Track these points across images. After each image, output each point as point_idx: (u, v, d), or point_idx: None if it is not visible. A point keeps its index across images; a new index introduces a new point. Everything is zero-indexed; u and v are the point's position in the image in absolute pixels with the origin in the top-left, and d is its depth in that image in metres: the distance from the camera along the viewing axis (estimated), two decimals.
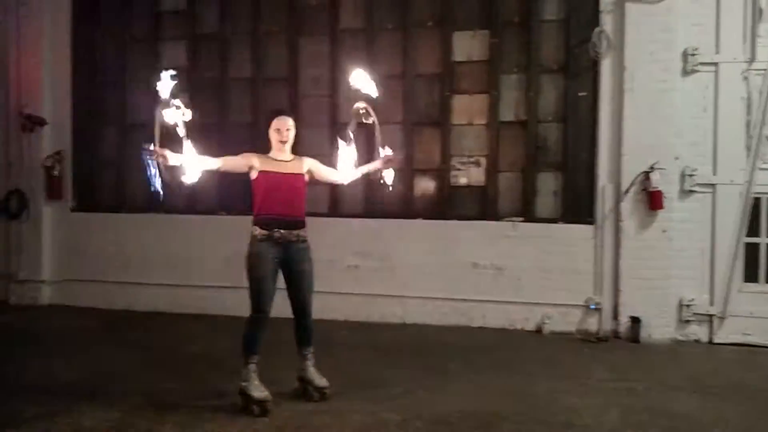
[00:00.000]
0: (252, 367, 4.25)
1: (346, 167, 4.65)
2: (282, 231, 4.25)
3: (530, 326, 6.64)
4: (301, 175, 4.41)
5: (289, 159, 4.41)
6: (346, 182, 4.75)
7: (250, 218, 6.88)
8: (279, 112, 4.50)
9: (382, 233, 6.97)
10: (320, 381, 4.41)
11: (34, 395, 4.46)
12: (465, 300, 6.77)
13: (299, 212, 4.36)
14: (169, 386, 4.72)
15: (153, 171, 3.91)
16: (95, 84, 7.88)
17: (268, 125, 4.40)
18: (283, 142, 4.36)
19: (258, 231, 4.28)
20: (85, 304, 7.58)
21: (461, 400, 4.52)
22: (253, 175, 4.33)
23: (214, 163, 4.27)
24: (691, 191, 6.35)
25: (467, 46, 6.96)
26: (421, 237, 6.86)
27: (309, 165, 4.49)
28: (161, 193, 3.96)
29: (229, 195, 7.24)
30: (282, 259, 4.27)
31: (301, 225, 4.37)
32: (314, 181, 4.57)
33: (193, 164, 4.03)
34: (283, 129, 4.35)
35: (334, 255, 6.71)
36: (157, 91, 4.01)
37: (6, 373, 5.01)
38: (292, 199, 4.32)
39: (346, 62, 7.20)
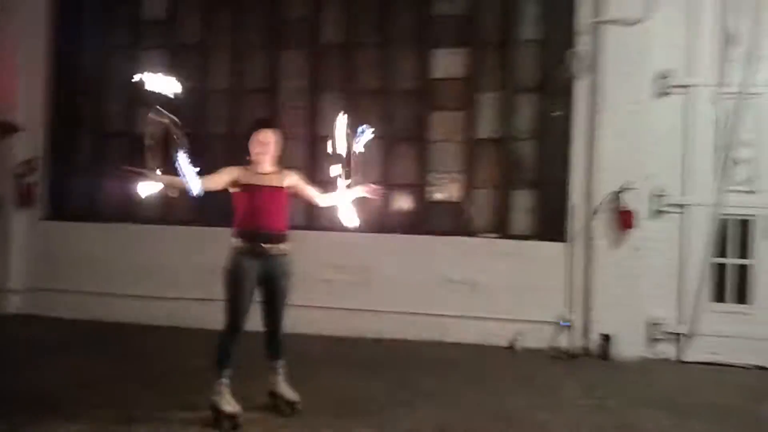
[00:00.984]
0: (224, 381, 4.22)
1: (329, 193, 4.57)
2: (263, 244, 4.20)
3: (503, 342, 6.67)
4: (282, 188, 4.35)
5: (269, 171, 4.36)
6: (322, 205, 4.65)
7: (222, 229, 6.90)
8: (262, 124, 4.42)
9: (358, 247, 6.97)
10: (291, 395, 4.38)
11: (0, 407, 4.36)
12: (440, 315, 6.78)
13: (281, 225, 4.31)
14: (139, 398, 4.65)
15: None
16: (71, 91, 7.80)
17: (249, 136, 4.35)
18: (263, 155, 4.31)
19: (239, 244, 4.23)
20: (54, 314, 7.44)
21: (435, 416, 4.52)
22: (234, 188, 4.29)
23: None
24: (662, 211, 6.46)
25: (446, 63, 7.04)
26: (397, 251, 6.88)
27: (291, 180, 4.43)
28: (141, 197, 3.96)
29: (202, 205, 7.18)
30: (262, 272, 4.23)
31: (283, 239, 4.32)
32: (293, 196, 4.51)
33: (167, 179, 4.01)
34: (264, 142, 4.31)
35: (310, 268, 6.68)
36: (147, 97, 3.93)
37: None
38: (274, 213, 4.27)
39: (325, 76, 7.27)
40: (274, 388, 4.43)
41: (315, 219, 7.01)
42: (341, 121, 4.36)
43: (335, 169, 4.39)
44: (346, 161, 4.35)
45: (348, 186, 4.40)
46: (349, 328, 6.92)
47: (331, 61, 7.27)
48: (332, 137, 4.35)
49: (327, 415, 4.38)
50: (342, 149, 4.34)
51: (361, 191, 4.46)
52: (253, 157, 4.33)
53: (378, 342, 6.75)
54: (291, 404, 4.36)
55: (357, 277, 6.97)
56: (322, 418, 4.32)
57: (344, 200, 4.46)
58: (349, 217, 4.45)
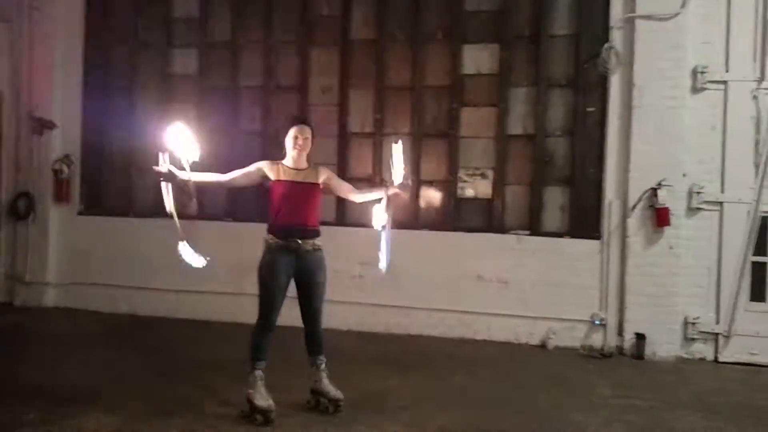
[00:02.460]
0: (258, 374, 4.23)
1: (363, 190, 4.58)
2: (297, 240, 4.22)
3: (535, 340, 6.62)
4: (317, 184, 4.36)
5: (304, 167, 4.36)
6: (357, 200, 4.64)
7: (255, 225, 6.96)
8: (299, 120, 4.44)
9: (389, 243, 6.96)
10: (335, 393, 4.34)
11: (37, 398, 4.47)
12: (470, 312, 6.75)
13: (314, 221, 4.32)
14: (173, 391, 4.72)
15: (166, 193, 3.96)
16: (105, 88, 7.92)
17: (285, 132, 4.36)
18: (299, 151, 4.32)
19: (272, 239, 4.25)
20: (89, 307, 7.59)
21: (466, 414, 4.50)
22: (267, 184, 4.31)
23: (225, 178, 4.28)
24: (699, 209, 6.34)
25: (477, 59, 6.98)
26: (426, 248, 6.86)
27: (325, 175, 4.43)
28: (173, 214, 4.02)
29: (235, 201, 7.27)
30: (296, 268, 4.24)
31: (316, 234, 4.33)
32: (326, 192, 4.51)
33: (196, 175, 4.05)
34: (301, 138, 4.31)
35: (340, 264, 6.69)
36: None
37: (9, 376, 5.01)
38: (307, 208, 4.28)
39: (356, 72, 7.27)
40: (316, 385, 4.39)
41: (344, 215, 7.04)
42: (397, 149, 4.33)
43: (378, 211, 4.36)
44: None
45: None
46: (379, 325, 6.93)
47: (362, 58, 7.27)
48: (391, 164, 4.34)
49: (358, 411, 4.38)
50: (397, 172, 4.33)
51: (396, 188, 4.38)
52: (289, 153, 4.34)
53: (408, 338, 6.75)
54: (335, 402, 4.33)
55: (387, 273, 6.94)
56: (353, 414, 4.32)
57: (381, 197, 4.40)
58: (379, 219, 4.38)
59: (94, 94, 7.90)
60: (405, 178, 4.36)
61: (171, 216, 4.05)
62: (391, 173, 4.37)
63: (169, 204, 4.02)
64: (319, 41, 7.37)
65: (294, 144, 4.32)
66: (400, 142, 4.37)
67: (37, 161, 7.79)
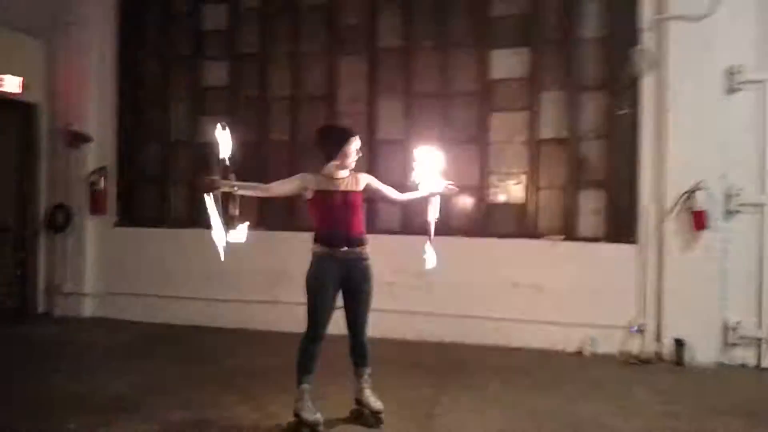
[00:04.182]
0: (306, 387, 4.20)
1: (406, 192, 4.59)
2: (344, 249, 4.19)
3: (571, 348, 6.53)
4: (359, 192, 4.32)
5: (344, 176, 4.32)
6: (402, 202, 4.62)
7: (287, 233, 7.03)
8: (353, 133, 4.36)
9: (419, 250, 6.92)
10: (376, 404, 4.31)
11: (77, 408, 4.54)
12: (504, 319, 6.69)
13: (359, 229, 4.28)
14: (210, 401, 4.75)
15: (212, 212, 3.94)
16: (139, 101, 8.07)
17: (341, 144, 4.26)
18: (352, 163, 4.29)
19: (319, 249, 4.22)
20: (126, 317, 7.70)
21: (502, 421, 4.46)
22: (309, 195, 4.26)
23: (263, 190, 4.26)
24: (737, 211, 6.19)
25: (506, 63, 6.95)
26: (459, 254, 6.77)
27: (366, 181, 4.40)
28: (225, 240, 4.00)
29: (266, 210, 7.32)
30: (343, 277, 4.20)
31: (362, 242, 4.29)
32: (368, 197, 4.47)
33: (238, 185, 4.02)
34: (357, 150, 4.30)
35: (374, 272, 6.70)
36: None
37: (50, 386, 5.10)
38: (351, 217, 4.23)
39: (384, 80, 7.29)
40: (359, 395, 4.37)
41: (374, 222, 7.03)
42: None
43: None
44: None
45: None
46: (411, 332, 6.90)
47: (390, 66, 7.28)
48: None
49: (393, 418, 4.35)
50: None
51: (439, 188, 4.44)
52: (342, 165, 4.27)
53: (441, 346, 6.71)
54: (376, 414, 4.29)
55: (419, 280, 6.94)
56: (389, 422, 4.31)
57: (425, 197, 4.46)
58: (430, 259, 4.44)
59: (127, 107, 8.05)
60: (449, 184, 4.46)
61: (219, 223, 3.98)
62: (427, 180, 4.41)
63: (215, 215, 3.97)
64: (347, 50, 7.40)
65: (352, 157, 4.28)
66: (429, 148, 4.42)
67: (74, 174, 7.94)
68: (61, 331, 7.23)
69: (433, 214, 4.45)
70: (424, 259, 4.41)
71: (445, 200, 4.48)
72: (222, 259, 4.00)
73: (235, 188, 4.01)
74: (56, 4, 7.94)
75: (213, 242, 7.00)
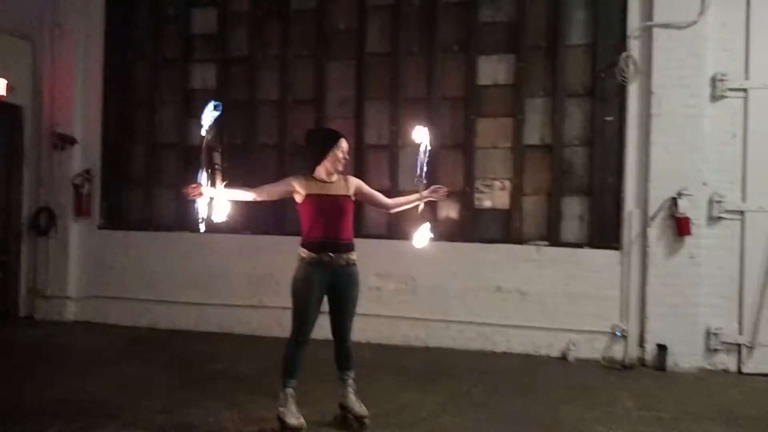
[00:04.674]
0: (289, 391, 4.18)
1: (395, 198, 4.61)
2: (331, 254, 4.16)
3: (555, 352, 6.56)
4: (348, 196, 4.31)
5: (334, 180, 4.30)
6: (391, 210, 4.62)
7: (273, 237, 7.02)
8: (340, 135, 4.34)
9: (405, 255, 6.94)
10: (359, 410, 4.29)
11: (58, 411, 4.49)
12: (489, 324, 6.71)
13: (348, 235, 4.26)
14: (194, 404, 4.72)
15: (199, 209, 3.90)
16: (125, 104, 8.03)
17: (328, 148, 4.24)
18: (341, 166, 4.26)
19: (307, 254, 4.18)
20: (109, 320, 7.66)
21: (487, 426, 4.47)
22: (299, 199, 4.24)
23: (250, 194, 4.20)
24: (720, 218, 6.26)
25: (492, 70, 6.99)
26: (444, 259, 6.83)
27: (356, 186, 4.39)
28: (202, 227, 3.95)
29: (252, 214, 7.29)
30: (330, 283, 4.18)
31: (350, 248, 4.27)
32: (358, 201, 4.45)
33: (224, 200, 3.93)
34: (344, 153, 4.27)
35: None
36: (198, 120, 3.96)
37: (31, 390, 5.04)
38: (340, 221, 4.21)
39: (371, 85, 7.30)
40: (344, 401, 4.35)
41: (360, 226, 7.02)
42: (421, 133, 4.39)
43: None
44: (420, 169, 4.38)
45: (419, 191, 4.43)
46: (397, 337, 6.92)
47: (377, 71, 7.30)
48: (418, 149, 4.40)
49: (377, 425, 4.34)
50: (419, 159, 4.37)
51: (430, 194, 4.45)
52: (330, 168, 4.25)
53: (426, 350, 6.72)
54: (359, 419, 4.27)
55: (404, 285, 6.96)
56: (372, 428, 4.30)
57: (411, 202, 4.46)
58: (422, 238, 4.41)
59: (113, 110, 8.01)
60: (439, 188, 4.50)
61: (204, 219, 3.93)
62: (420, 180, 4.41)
63: (203, 214, 3.91)
64: (336, 55, 7.42)
65: (339, 160, 4.24)
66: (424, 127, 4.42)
67: (58, 177, 7.89)
68: (43, 334, 7.16)
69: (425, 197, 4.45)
70: (414, 238, 4.41)
71: (434, 204, 4.47)
72: (201, 230, 3.97)
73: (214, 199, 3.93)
74: (43, 6, 7.91)
75: (198, 246, 7.01)
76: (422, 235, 4.41)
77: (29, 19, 7.88)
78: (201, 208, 3.88)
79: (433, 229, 4.43)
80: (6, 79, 7.63)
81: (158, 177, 7.85)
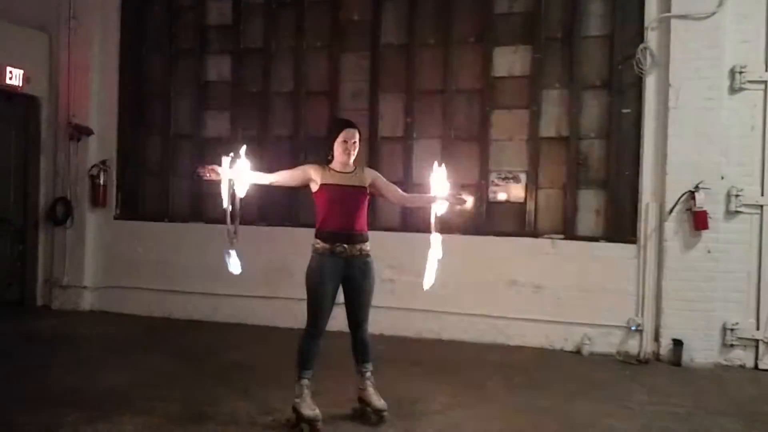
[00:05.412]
0: (305, 382, 4.18)
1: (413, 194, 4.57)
2: (345, 245, 4.15)
3: (569, 346, 6.53)
4: (364, 187, 4.28)
5: (350, 171, 4.28)
6: (406, 204, 4.60)
7: (288, 229, 7.04)
8: (348, 124, 4.33)
9: (419, 248, 6.90)
10: (378, 403, 4.27)
11: (76, 400, 4.55)
12: (503, 317, 6.69)
13: (362, 226, 4.24)
14: (209, 395, 4.76)
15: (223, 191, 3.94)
16: (141, 95, 8.07)
17: (334, 136, 4.24)
18: (348, 155, 4.23)
19: (320, 245, 4.18)
20: (125, 310, 7.72)
21: (499, 419, 4.47)
22: (314, 188, 4.23)
23: (269, 178, 4.22)
24: (738, 212, 6.19)
25: (508, 61, 6.93)
26: (458, 252, 6.76)
27: (372, 177, 4.36)
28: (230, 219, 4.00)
29: (269, 206, 7.32)
30: (344, 274, 4.17)
31: (364, 239, 4.25)
32: (373, 194, 4.40)
33: (243, 179, 3.99)
34: (350, 141, 4.22)
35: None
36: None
37: (48, 379, 5.11)
38: (354, 212, 4.19)
39: (386, 77, 7.28)
40: (362, 394, 4.34)
41: (373, 218, 7.00)
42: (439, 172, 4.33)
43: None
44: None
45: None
46: (411, 329, 6.91)
47: (392, 62, 7.27)
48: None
49: (391, 415, 4.33)
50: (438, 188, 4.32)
51: (447, 198, 4.33)
52: (338, 158, 4.26)
53: (440, 343, 6.72)
54: (378, 412, 4.26)
55: (418, 278, 6.91)
56: (387, 420, 4.29)
57: (433, 207, 4.34)
58: (429, 278, 4.34)
59: (129, 101, 8.05)
60: (457, 194, 4.39)
61: (228, 217, 3.99)
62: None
63: (227, 203, 3.97)
64: (350, 46, 7.39)
65: (344, 149, 4.21)
66: (443, 166, 4.33)
67: (75, 167, 7.95)
68: (60, 324, 7.23)
69: (439, 210, 4.33)
70: (429, 253, 4.33)
71: (450, 207, 4.41)
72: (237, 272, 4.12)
73: (233, 182, 3.98)
74: None
75: (213, 236, 7.05)
76: (430, 271, 4.32)
77: (46, 10, 7.93)
78: (223, 193, 3.94)
79: (443, 244, 4.37)
80: (23, 70, 7.69)
81: (174, 168, 7.89)
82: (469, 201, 6.86)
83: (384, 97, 7.29)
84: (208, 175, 3.97)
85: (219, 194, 4.02)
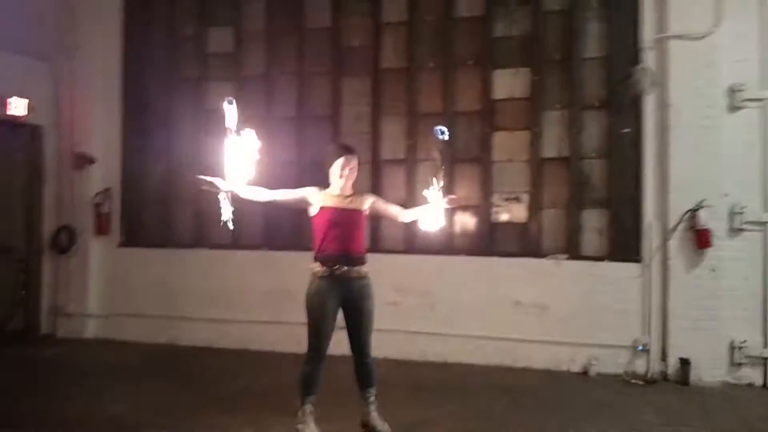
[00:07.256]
0: (308, 408, 4.18)
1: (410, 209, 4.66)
2: (343, 268, 4.18)
3: (576, 367, 6.49)
4: (362, 211, 4.34)
5: (349, 194, 4.35)
6: (406, 220, 4.65)
7: (291, 253, 7.04)
8: (347, 150, 4.41)
9: (423, 270, 6.95)
10: (382, 427, 4.29)
11: (79, 428, 4.52)
12: (508, 339, 6.65)
13: (360, 248, 4.29)
14: (214, 422, 4.73)
15: (222, 204, 4.00)
16: (143, 123, 8.11)
17: (332, 161, 4.32)
18: (346, 180, 4.31)
19: (318, 268, 4.21)
20: (129, 338, 7.69)
21: None
22: (312, 211, 4.29)
23: (269, 194, 4.28)
24: (741, 229, 6.18)
25: (508, 83, 6.99)
26: (462, 274, 6.81)
27: (370, 201, 4.43)
28: (231, 225, 4.03)
29: (271, 230, 7.33)
30: (343, 297, 4.20)
31: (362, 261, 4.30)
32: (374, 216, 4.50)
33: (241, 186, 4.10)
34: (347, 167, 4.30)
35: (374, 291, 6.68)
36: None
37: (52, 407, 5.08)
38: (353, 236, 4.24)
39: (387, 100, 7.33)
40: (366, 418, 4.34)
41: (378, 241, 7.02)
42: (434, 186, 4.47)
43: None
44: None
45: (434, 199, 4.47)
46: (415, 352, 6.87)
47: (393, 86, 7.32)
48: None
49: None
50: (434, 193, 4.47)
51: (443, 201, 4.47)
52: (337, 182, 4.32)
53: (445, 366, 6.67)
54: None
55: (422, 300, 6.93)
56: None
57: (430, 211, 4.49)
58: (434, 222, 4.47)
59: (132, 129, 8.11)
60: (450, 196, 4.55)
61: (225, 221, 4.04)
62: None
63: (225, 211, 4.04)
64: (351, 71, 7.46)
65: (341, 173, 4.29)
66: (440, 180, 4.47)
67: (78, 195, 7.98)
68: (64, 352, 7.21)
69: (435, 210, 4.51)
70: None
71: (449, 214, 4.48)
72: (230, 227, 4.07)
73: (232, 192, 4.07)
74: (62, 28, 8.03)
75: (216, 263, 7.05)
76: (436, 215, 4.47)
77: (48, 40, 8.00)
78: (223, 207, 4.01)
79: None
80: (26, 99, 7.75)
81: (176, 195, 7.91)
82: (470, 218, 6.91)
83: (385, 120, 7.33)
84: (206, 187, 4.01)
85: (221, 219, 4.05)
